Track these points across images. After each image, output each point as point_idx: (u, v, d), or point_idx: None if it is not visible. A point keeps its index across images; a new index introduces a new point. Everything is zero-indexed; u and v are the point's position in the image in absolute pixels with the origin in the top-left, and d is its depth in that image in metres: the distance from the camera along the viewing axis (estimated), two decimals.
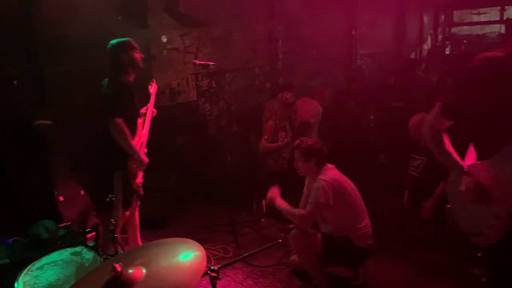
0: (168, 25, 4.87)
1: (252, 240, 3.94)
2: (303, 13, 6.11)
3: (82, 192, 3.83)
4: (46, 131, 3.80)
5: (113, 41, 3.21)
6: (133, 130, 3.14)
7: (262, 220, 4.24)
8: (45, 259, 2.17)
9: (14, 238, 3.02)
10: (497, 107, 1.70)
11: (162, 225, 4.23)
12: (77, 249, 2.20)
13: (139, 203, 3.41)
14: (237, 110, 5.54)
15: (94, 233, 2.28)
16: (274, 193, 3.21)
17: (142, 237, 3.63)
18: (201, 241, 3.89)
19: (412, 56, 8.47)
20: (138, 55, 3.21)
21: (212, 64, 3.77)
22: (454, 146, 1.97)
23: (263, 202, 3.54)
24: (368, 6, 7.08)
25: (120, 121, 2.98)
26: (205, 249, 3.67)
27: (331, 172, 3.10)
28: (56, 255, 2.19)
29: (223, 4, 5.23)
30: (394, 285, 3.28)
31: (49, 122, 3.84)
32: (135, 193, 3.21)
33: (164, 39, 4.84)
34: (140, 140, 3.21)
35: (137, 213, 3.46)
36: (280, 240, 2.20)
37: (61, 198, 3.67)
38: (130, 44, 3.21)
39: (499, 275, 1.90)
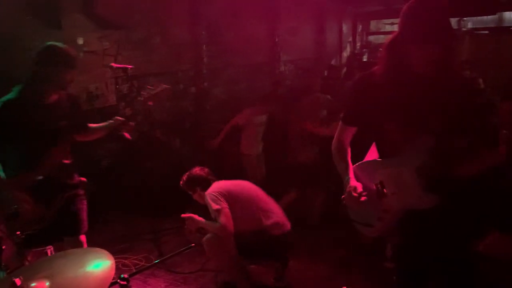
0: (84, 27, 4.69)
1: (175, 247, 3.89)
2: (226, 19, 6.20)
3: None
4: None
5: (52, 44, 2.56)
6: (28, 159, 2.55)
7: (186, 226, 4.21)
8: None
9: None
10: (382, 115, 1.88)
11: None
12: None
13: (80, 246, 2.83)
14: (159, 116, 5.47)
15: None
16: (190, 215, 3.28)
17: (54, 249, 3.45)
18: (121, 251, 3.86)
19: (333, 62, 8.92)
20: (69, 76, 2.56)
21: (130, 68, 3.70)
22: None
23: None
24: (290, 15, 7.36)
25: None
26: (126, 258, 3.63)
27: (213, 185, 3.29)
28: None
29: (142, 7, 5.15)
30: (314, 284, 3.43)
31: None
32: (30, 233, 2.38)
33: (80, 41, 4.65)
34: (39, 174, 2.55)
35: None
36: (193, 244, 2.21)
37: None
38: (70, 57, 2.55)
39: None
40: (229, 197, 3.15)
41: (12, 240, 2.41)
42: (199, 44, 5.99)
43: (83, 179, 2.85)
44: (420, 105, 1.78)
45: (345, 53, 9.50)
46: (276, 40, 7.20)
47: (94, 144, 4.96)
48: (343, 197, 1.96)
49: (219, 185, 3.27)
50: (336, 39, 9.06)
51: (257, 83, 6.84)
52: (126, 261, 3.62)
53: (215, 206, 3.08)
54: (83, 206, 2.89)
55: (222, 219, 3.07)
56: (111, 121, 3.01)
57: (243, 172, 4.95)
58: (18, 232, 2.27)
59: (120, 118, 2.93)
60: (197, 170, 3.41)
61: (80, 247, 2.85)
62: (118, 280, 1.59)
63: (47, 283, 1.47)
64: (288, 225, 3.20)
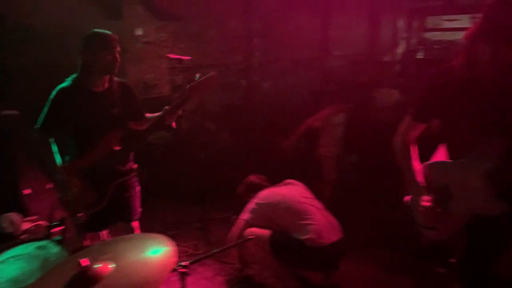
0: (143, 18, 4.82)
1: (223, 237, 3.92)
2: (279, 12, 6.15)
3: (47, 186, 3.75)
4: (12, 122, 3.70)
5: (95, 31, 2.59)
6: (81, 147, 2.64)
7: (234, 217, 4.24)
8: (8, 253, 2.11)
9: None
10: (463, 110, 1.78)
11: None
12: (43, 243, 2.15)
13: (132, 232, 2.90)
14: (210, 107, 5.53)
15: (61, 227, 2.23)
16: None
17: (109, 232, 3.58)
18: (170, 237, 3.92)
19: (386, 59, 8.66)
20: (110, 58, 2.54)
21: (186, 59, 3.75)
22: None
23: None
24: (343, 8, 7.19)
25: (40, 135, 2.60)
26: (175, 246, 3.70)
27: (260, 193, 3.23)
28: (20, 249, 2.14)
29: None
30: (362, 284, 3.35)
31: (16, 112, 3.73)
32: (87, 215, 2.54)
33: (139, 32, 4.78)
34: (91, 161, 2.61)
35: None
36: (253, 237, 2.21)
37: (26, 191, 3.58)
38: (112, 41, 2.54)
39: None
40: (267, 207, 3.12)
41: (73, 221, 2.54)
42: (251, 37, 6.00)
43: (135, 165, 2.87)
44: (498, 106, 1.67)
45: (399, 50, 9.19)
46: (328, 34, 7.07)
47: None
48: (407, 199, 1.89)
49: (263, 195, 3.23)
50: (390, 34, 8.79)
51: (307, 77, 6.76)
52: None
53: (247, 216, 3.15)
54: (135, 193, 2.93)
55: (233, 228, 3.16)
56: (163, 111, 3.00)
57: (317, 172, 4.80)
58: (80, 214, 2.39)
59: (168, 107, 2.90)
60: (253, 178, 3.42)
61: (132, 233, 2.91)
62: (178, 268, 1.60)
63: (111, 265, 1.51)
64: (332, 237, 2.98)
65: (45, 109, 2.59)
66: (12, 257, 2.09)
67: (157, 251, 1.61)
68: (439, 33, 9.12)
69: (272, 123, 5.70)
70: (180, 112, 2.71)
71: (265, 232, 3.05)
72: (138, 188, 2.96)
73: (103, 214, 2.68)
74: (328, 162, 4.66)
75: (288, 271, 3.17)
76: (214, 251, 1.86)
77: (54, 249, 2.12)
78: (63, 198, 2.60)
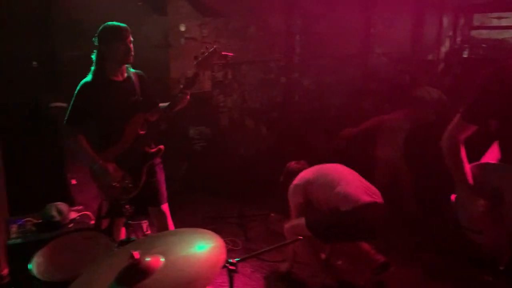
0: (187, 14, 4.86)
1: (261, 234, 3.94)
2: (321, 8, 6.05)
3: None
4: (60, 113, 3.81)
5: (107, 24, 2.70)
6: (110, 135, 2.76)
7: (272, 214, 4.23)
8: (54, 243, 2.17)
9: (26, 219, 3.05)
10: None
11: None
12: (91, 233, 2.20)
13: (166, 216, 2.97)
14: (250, 104, 5.53)
15: (108, 219, 2.28)
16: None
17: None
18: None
19: (430, 57, 8.38)
20: (123, 48, 2.64)
21: (231, 55, 3.74)
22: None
23: None
24: (386, 4, 6.99)
25: (69, 128, 2.72)
26: None
27: (298, 175, 3.18)
28: (70, 239, 2.20)
29: None
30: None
31: (64, 104, 3.85)
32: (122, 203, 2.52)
33: (182, 28, 4.83)
34: (122, 147, 2.74)
35: (168, 225, 3.01)
36: (301, 237, 2.16)
37: (73, 181, 3.69)
38: (123, 32, 2.65)
39: None
40: (307, 186, 3.07)
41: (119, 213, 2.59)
42: (293, 34, 5.94)
43: (161, 146, 2.91)
44: None
45: (444, 48, 8.88)
46: (371, 31, 6.91)
47: (188, 127, 5.22)
48: (453, 199, 1.81)
49: (300, 175, 3.17)
50: (434, 32, 8.50)
51: (347, 75, 6.63)
52: None
53: (290, 202, 3.10)
54: (162, 175, 3.00)
55: (292, 215, 3.09)
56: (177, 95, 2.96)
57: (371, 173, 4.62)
58: (127, 206, 2.42)
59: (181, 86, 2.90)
60: (292, 164, 3.35)
61: (163, 218, 3.00)
62: (227, 264, 1.59)
63: (162, 259, 1.51)
64: (368, 198, 2.84)
65: (71, 104, 2.71)
66: (63, 246, 2.15)
67: (206, 247, 1.61)
68: (486, 31, 8.75)
69: (312, 121, 5.64)
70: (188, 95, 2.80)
71: (300, 220, 3.01)
72: (162, 171, 3.03)
73: (136, 200, 2.71)
74: (385, 166, 4.45)
75: (331, 270, 3.12)
76: (264, 249, 1.83)
77: (101, 240, 2.16)
78: (103, 185, 2.72)
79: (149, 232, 3.92)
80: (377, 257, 3.06)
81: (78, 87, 2.70)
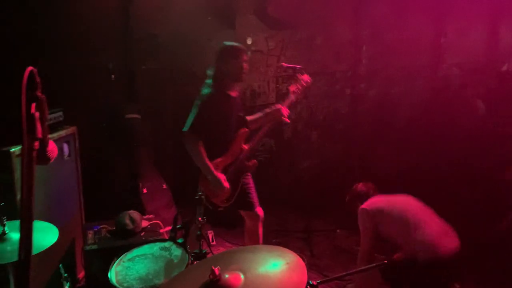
0: (254, 27, 4.89)
1: (326, 250, 3.82)
2: (390, 17, 5.85)
3: (164, 186, 3.94)
4: (134, 124, 3.96)
5: (226, 43, 2.99)
6: (220, 147, 2.95)
7: (338, 230, 4.09)
8: (136, 251, 2.21)
9: (102, 226, 3.16)
10: None
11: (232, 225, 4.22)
12: (166, 244, 2.22)
13: (260, 217, 3.15)
14: (314, 115, 5.44)
15: (183, 230, 2.29)
16: None
17: (221, 236, 3.65)
18: (276, 245, 3.89)
19: (504, 68, 7.84)
20: (245, 66, 2.96)
21: (300, 68, 3.69)
22: None
23: None
24: (459, 13, 6.63)
25: (192, 136, 2.81)
26: None
27: (369, 200, 3.03)
28: (146, 249, 2.23)
29: (309, 6, 5.14)
30: None
31: (138, 116, 3.99)
32: (219, 210, 2.98)
33: (249, 41, 4.86)
34: (230, 159, 2.97)
35: (260, 228, 3.19)
36: (386, 261, 2.01)
37: (144, 190, 3.79)
38: (239, 51, 2.94)
39: None
40: (379, 216, 2.89)
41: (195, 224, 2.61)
42: (359, 45, 5.79)
43: (255, 161, 3.15)
44: None
45: None
46: (442, 41, 6.57)
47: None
48: None
49: (372, 201, 3.02)
50: (510, 41, 7.94)
51: (415, 87, 6.34)
52: None
53: (360, 225, 2.99)
54: (251, 181, 3.21)
55: (361, 242, 2.96)
56: (267, 110, 3.15)
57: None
58: (200, 218, 2.43)
59: (276, 105, 3.11)
60: (360, 186, 3.22)
61: (259, 220, 3.16)
62: (308, 286, 1.52)
63: (242, 276, 1.47)
64: (448, 246, 2.62)
65: (196, 113, 2.83)
66: (139, 255, 2.19)
67: (286, 266, 1.54)
68: None
69: (377, 133, 5.44)
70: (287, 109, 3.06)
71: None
72: (251, 179, 3.23)
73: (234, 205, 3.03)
74: None
75: None
76: (348, 272, 1.74)
77: (176, 251, 2.17)
78: (212, 193, 2.89)
79: (214, 242, 3.94)
80: None
81: (203, 98, 2.84)
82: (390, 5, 5.71)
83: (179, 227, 2.16)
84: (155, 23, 4.05)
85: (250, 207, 3.12)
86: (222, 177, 2.87)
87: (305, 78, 3.19)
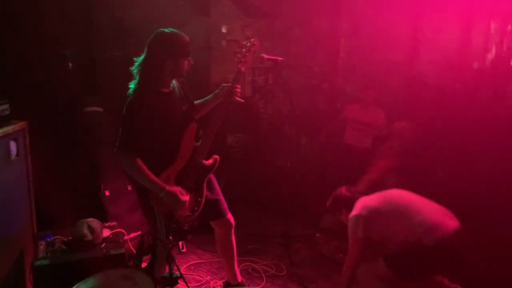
0: (230, 15, 4.46)
1: (307, 258, 3.49)
2: (369, 11, 5.55)
3: (129, 187, 3.49)
4: (95, 119, 3.47)
5: (161, 30, 2.32)
6: (167, 154, 2.36)
7: (318, 235, 3.76)
8: (92, 281, 1.78)
9: (56, 237, 2.70)
10: None
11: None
12: (130, 272, 1.80)
13: (232, 224, 2.72)
14: (291, 110, 5.08)
15: (149, 255, 1.88)
16: None
17: (191, 242, 3.25)
18: (250, 252, 3.55)
19: (475, 66, 7.74)
20: (187, 63, 2.35)
21: (281, 60, 3.32)
22: None
23: None
24: (434, 10, 6.43)
25: (126, 155, 2.23)
26: (255, 263, 3.29)
27: (357, 204, 2.74)
28: (105, 277, 1.81)
29: None
30: None
31: (99, 109, 3.50)
32: (182, 227, 2.31)
33: (224, 30, 4.43)
34: (181, 163, 2.38)
35: (232, 236, 2.78)
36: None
37: (107, 193, 3.33)
38: (187, 46, 2.32)
39: None
40: (374, 216, 2.62)
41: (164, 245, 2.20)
42: (338, 38, 5.46)
43: (216, 156, 2.56)
44: None
45: (490, 55, 8.20)
46: (418, 37, 6.34)
47: (225, 134, 4.82)
48: None
49: (362, 204, 2.72)
50: (481, 39, 7.84)
51: (393, 82, 6.10)
52: (256, 265, 3.29)
53: (350, 234, 2.66)
54: (217, 183, 2.71)
55: (350, 251, 2.65)
56: (216, 91, 2.67)
57: None
58: (170, 237, 2.03)
59: (226, 84, 2.58)
60: (342, 190, 2.90)
61: (230, 227, 2.72)
62: None
63: None
64: (450, 226, 2.46)
65: (125, 128, 2.25)
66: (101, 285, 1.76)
67: None
68: None
69: None
70: (238, 88, 2.54)
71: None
72: (216, 181, 2.73)
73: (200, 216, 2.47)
74: None
75: None
76: None
77: (142, 281, 1.76)
78: (170, 212, 2.29)
79: (184, 250, 3.54)
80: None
81: (129, 107, 2.24)
82: None
83: (145, 252, 1.75)
84: (120, 6, 3.54)
85: (219, 215, 2.66)
86: (177, 190, 2.27)
87: (253, 43, 2.55)
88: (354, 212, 2.67)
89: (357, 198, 2.81)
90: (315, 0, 5.07)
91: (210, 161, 2.52)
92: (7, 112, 2.69)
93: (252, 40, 2.55)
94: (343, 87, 5.58)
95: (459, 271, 2.54)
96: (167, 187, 2.24)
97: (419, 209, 2.52)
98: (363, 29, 5.55)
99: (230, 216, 2.72)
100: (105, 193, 3.30)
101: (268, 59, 3.37)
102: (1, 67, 2.94)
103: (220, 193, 2.70)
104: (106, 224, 2.92)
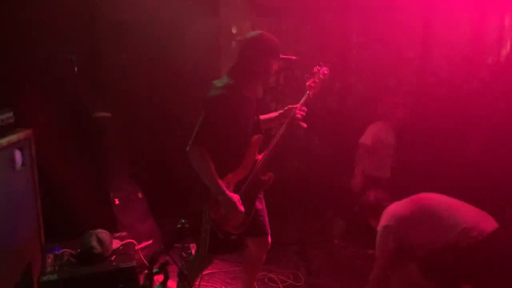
0: (239, 15, 4.30)
1: (325, 266, 3.32)
2: (380, 6, 5.35)
3: (140, 195, 3.35)
4: (104, 124, 3.33)
5: (259, 34, 2.32)
6: (232, 159, 2.26)
7: (335, 241, 3.59)
8: None
9: (64, 250, 2.56)
10: None
11: None
12: None
13: (269, 246, 2.55)
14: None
15: (162, 274, 1.72)
16: None
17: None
18: (266, 260, 3.39)
19: (489, 61, 7.50)
20: (275, 67, 2.36)
21: (295, 59, 3.14)
22: None
23: None
24: (447, 3, 6.21)
25: (198, 150, 2.12)
26: (271, 271, 3.12)
27: (384, 214, 2.56)
28: None
29: None
30: None
31: (108, 114, 3.36)
32: (232, 238, 2.25)
33: (234, 30, 4.26)
34: (242, 173, 2.27)
35: (263, 257, 2.62)
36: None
37: (116, 201, 3.19)
38: (277, 49, 2.35)
39: None
40: (407, 225, 2.45)
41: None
42: (348, 35, 5.27)
43: (271, 174, 2.40)
44: None
45: (504, 51, 7.95)
46: (431, 31, 6.13)
47: None
48: None
49: (390, 213, 2.54)
50: (495, 34, 7.59)
51: (406, 79, 5.90)
52: (272, 275, 3.13)
53: (379, 246, 2.50)
54: (264, 202, 2.56)
55: (378, 262, 2.51)
56: (280, 111, 2.55)
57: None
58: (184, 253, 1.88)
59: (293, 106, 2.45)
60: (371, 196, 2.74)
61: (266, 250, 2.56)
62: None
63: None
64: (487, 227, 2.32)
65: (202, 121, 2.16)
66: None
67: None
68: None
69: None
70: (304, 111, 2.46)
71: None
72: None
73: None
74: None
75: None
76: None
77: None
78: (223, 218, 2.19)
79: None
80: None
81: (210, 102, 2.17)
82: None
83: (156, 272, 1.59)
84: (125, 9, 3.40)
85: (260, 233, 2.48)
86: (236, 197, 2.17)
87: (323, 70, 2.59)
88: (382, 223, 2.50)
89: (385, 206, 2.63)
90: None
91: (266, 177, 2.38)
92: (12, 120, 2.58)
93: (324, 68, 2.62)
94: (356, 86, 5.40)
95: (497, 275, 2.35)
96: (228, 192, 2.15)
97: (451, 211, 2.37)
98: (375, 25, 5.36)
99: (269, 238, 2.55)
100: (114, 202, 3.16)
101: (282, 58, 3.19)
102: (4, 73, 2.81)
103: (266, 212, 2.54)
104: (117, 235, 2.78)
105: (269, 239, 2.53)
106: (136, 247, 2.80)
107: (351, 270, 3.21)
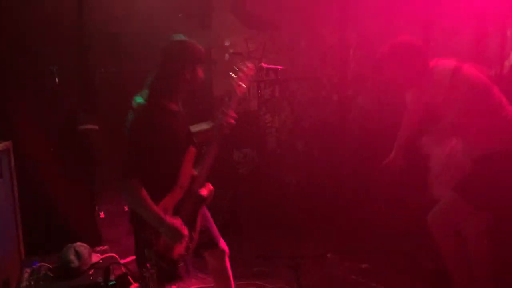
0: (232, 28, 4.27)
1: (318, 281, 3.14)
2: (378, 19, 5.28)
3: (126, 208, 3.25)
4: (91, 137, 3.26)
5: (176, 38, 2.11)
6: (166, 181, 2.06)
7: (328, 255, 3.43)
8: None
9: (41, 264, 2.47)
10: None
11: None
12: None
13: (226, 252, 2.37)
14: (300, 124, 4.81)
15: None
16: None
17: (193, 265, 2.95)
18: (256, 275, 3.24)
19: (492, 73, 7.35)
20: (201, 74, 2.12)
21: (281, 69, 3.07)
22: None
23: None
24: (447, 15, 6.12)
25: (129, 183, 1.91)
26: (262, 287, 2.97)
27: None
28: None
29: (292, 5, 4.53)
30: None
31: (95, 127, 3.30)
32: (179, 264, 2.06)
33: (227, 43, 4.23)
34: (180, 193, 2.07)
35: (227, 264, 2.40)
36: None
37: (101, 215, 3.10)
38: (200, 53, 2.12)
39: None
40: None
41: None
42: (346, 48, 5.18)
43: (210, 185, 2.21)
44: None
45: (507, 62, 7.80)
46: (430, 43, 6.02)
47: (231, 150, 4.58)
48: None
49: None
50: (497, 44, 7.46)
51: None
52: None
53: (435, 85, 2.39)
54: (207, 210, 2.35)
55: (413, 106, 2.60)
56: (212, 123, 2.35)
57: None
58: (148, 265, 1.76)
59: (225, 110, 2.20)
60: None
61: (224, 256, 2.36)
62: None
63: None
64: None
65: (128, 151, 1.98)
66: None
67: None
68: None
69: (367, 143, 4.82)
70: (232, 115, 2.18)
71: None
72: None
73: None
74: None
75: None
76: None
77: None
78: (168, 247, 2.01)
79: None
80: None
81: (134, 127, 1.97)
82: (378, 4, 5.14)
83: (112, 284, 1.47)
84: (115, 21, 3.37)
85: (212, 244, 2.32)
86: (177, 223, 2.00)
87: (248, 66, 2.34)
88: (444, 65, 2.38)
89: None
90: (321, 10, 4.83)
91: (206, 191, 2.18)
92: None
93: (248, 64, 2.35)
94: (354, 99, 5.28)
95: None
96: (169, 220, 1.96)
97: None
98: (373, 38, 5.27)
99: (223, 244, 2.37)
100: (99, 215, 3.06)
101: (268, 68, 3.13)
102: None
103: (210, 219, 2.35)
104: (98, 249, 2.68)
105: (223, 245, 2.35)
106: (121, 261, 2.70)
107: (343, 284, 3.03)
